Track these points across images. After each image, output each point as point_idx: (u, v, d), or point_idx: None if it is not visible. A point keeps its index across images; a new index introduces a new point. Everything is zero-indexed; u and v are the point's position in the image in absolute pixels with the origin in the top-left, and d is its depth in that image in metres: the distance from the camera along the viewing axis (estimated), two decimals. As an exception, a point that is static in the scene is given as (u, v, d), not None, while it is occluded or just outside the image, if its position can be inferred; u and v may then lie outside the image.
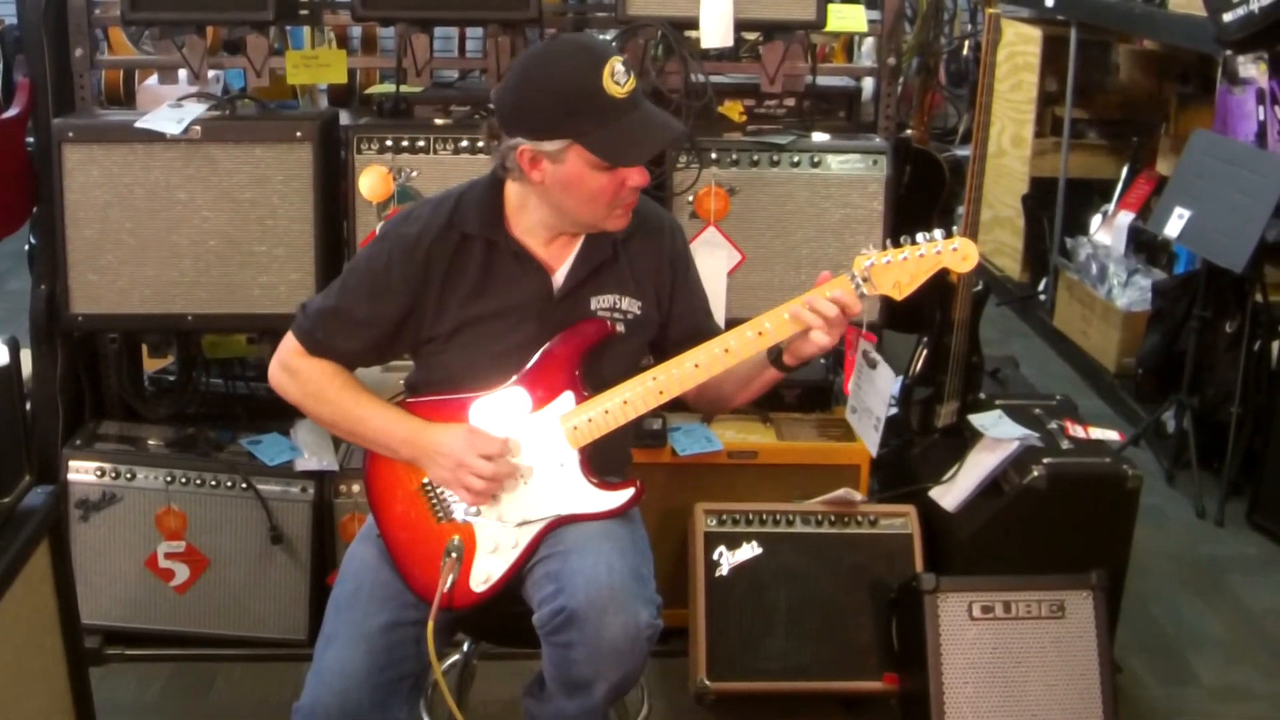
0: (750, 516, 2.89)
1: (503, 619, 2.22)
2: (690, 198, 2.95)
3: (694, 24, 2.91)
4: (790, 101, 3.20)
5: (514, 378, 2.13)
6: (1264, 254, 3.81)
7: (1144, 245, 5.01)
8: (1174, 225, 3.86)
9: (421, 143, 2.92)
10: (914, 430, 3.12)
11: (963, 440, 3.02)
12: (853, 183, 2.96)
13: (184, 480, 2.95)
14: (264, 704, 2.89)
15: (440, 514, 2.15)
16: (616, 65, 1.98)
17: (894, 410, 3.03)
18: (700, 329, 2.24)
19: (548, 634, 2.03)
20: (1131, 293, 4.86)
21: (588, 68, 1.97)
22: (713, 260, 2.92)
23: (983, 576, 2.72)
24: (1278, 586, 3.56)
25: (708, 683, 2.77)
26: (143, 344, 3.27)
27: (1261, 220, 3.58)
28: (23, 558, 2.02)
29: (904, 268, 2.06)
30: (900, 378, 3.03)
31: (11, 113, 3.19)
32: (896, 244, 2.07)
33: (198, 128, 2.84)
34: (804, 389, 3.24)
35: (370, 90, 3.86)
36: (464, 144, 2.92)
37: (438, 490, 2.15)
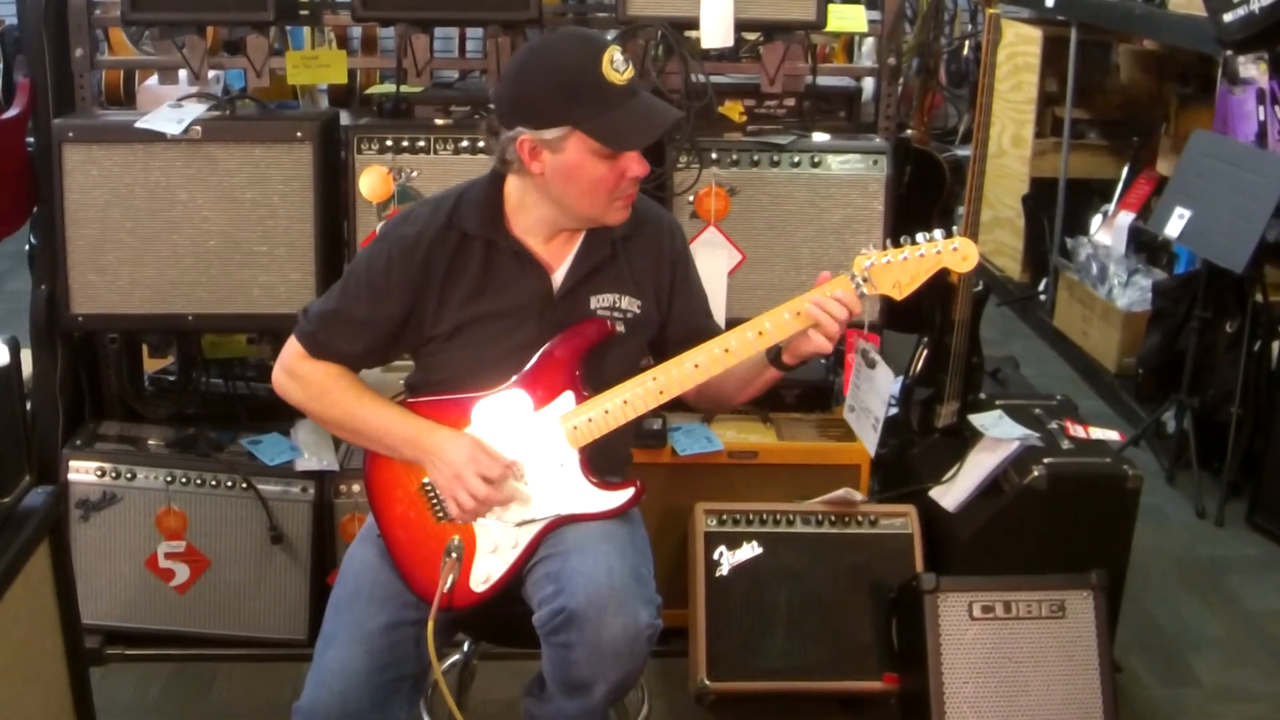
0: (750, 516, 2.89)
1: (503, 619, 2.22)
2: (690, 198, 2.95)
3: (694, 24, 2.91)
4: (790, 102, 3.20)
5: (514, 378, 2.13)
6: (1264, 254, 3.81)
7: (1144, 245, 5.01)
8: (1174, 225, 3.86)
9: (422, 143, 2.92)
10: (914, 430, 3.12)
11: (963, 440, 3.02)
12: (853, 183, 2.96)
13: (184, 480, 2.95)
14: (264, 704, 2.89)
15: (440, 514, 2.15)
16: (615, 54, 1.99)
17: (894, 410, 3.03)
18: (700, 329, 2.24)
19: (548, 634, 2.03)
20: (1132, 293, 4.86)
21: (587, 55, 1.98)
22: (713, 260, 2.92)
23: (983, 576, 2.72)
24: (1278, 587, 3.56)
25: (708, 683, 2.77)
26: (143, 344, 3.27)
27: (1262, 220, 3.58)
28: (23, 558, 2.02)
29: (904, 268, 2.06)
30: (901, 378, 3.03)
31: (12, 113, 3.19)
32: (897, 244, 2.08)
33: (198, 128, 2.84)
34: (804, 389, 3.24)
35: (370, 90, 3.86)
36: (464, 144, 2.92)
37: (438, 490, 2.15)
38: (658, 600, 2.07)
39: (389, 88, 3.27)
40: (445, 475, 2.09)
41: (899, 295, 2.08)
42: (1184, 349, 4.16)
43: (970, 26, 6.66)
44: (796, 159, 2.96)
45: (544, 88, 1.99)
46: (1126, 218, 5.08)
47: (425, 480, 2.15)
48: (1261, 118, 3.90)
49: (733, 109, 3.12)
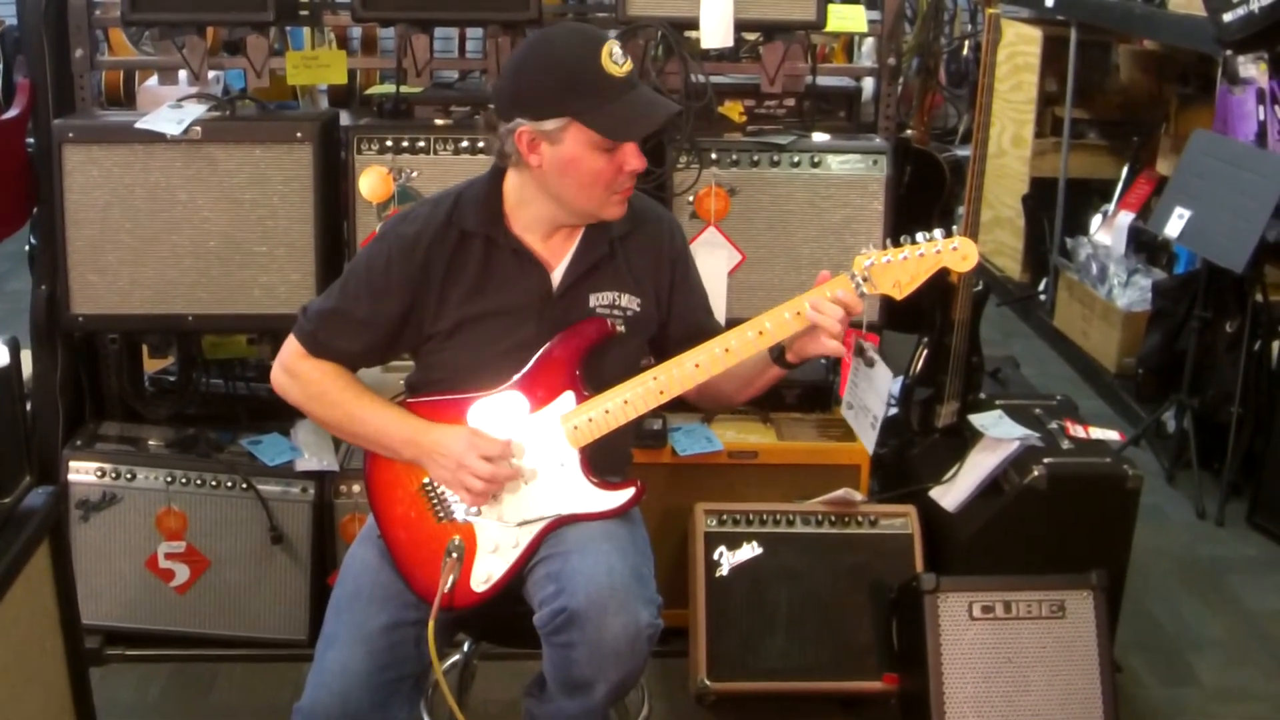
0: (750, 517, 2.89)
1: (503, 619, 2.22)
2: (690, 198, 2.95)
3: (694, 24, 2.91)
4: (790, 102, 3.20)
5: (514, 378, 2.13)
6: (1264, 254, 3.81)
7: (1144, 245, 5.01)
8: (1174, 225, 3.86)
9: (421, 143, 2.92)
10: (914, 430, 3.11)
11: (963, 440, 3.02)
12: (853, 183, 2.96)
13: (184, 481, 2.95)
14: (264, 704, 2.89)
15: (441, 514, 2.15)
16: (614, 47, 2.00)
17: (894, 410, 3.03)
18: (701, 328, 2.24)
19: (548, 634, 2.03)
20: (1132, 293, 4.86)
21: (586, 48, 1.99)
22: (713, 260, 2.92)
23: (983, 576, 2.72)
24: (1278, 587, 3.56)
25: (708, 683, 2.77)
26: (143, 344, 3.27)
27: (1262, 220, 3.58)
28: (23, 558, 2.02)
29: (904, 267, 2.06)
30: (901, 378, 3.03)
31: (12, 113, 3.19)
32: (896, 244, 2.08)
33: (198, 128, 2.84)
34: (804, 389, 3.24)
35: (370, 91, 3.86)
36: (464, 144, 2.92)
37: (438, 490, 2.15)
38: (658, 600, 2.07)
39: (389, 88, 3.27)
40: (448, 467, 2.09)
41: (899, 295, 2.08)
42: (1184, 349, 4.16)
43: (970, 26, 6.66)
44: (796, 159, 2.96)
45: (543, 79, 2.00)
46: (1126, 218, 5.08)
47: (425, 480, 2.15)
48: (1261, 117, 3.90)
49: (732, 109, 3.12)
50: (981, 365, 3.14)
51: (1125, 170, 5.35)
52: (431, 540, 2.14)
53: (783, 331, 2.07)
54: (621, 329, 2.18)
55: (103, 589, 2.96)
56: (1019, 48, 5.83)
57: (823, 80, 3.19)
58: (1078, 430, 3.02)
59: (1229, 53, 3.97)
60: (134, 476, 2.95)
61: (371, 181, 2.90)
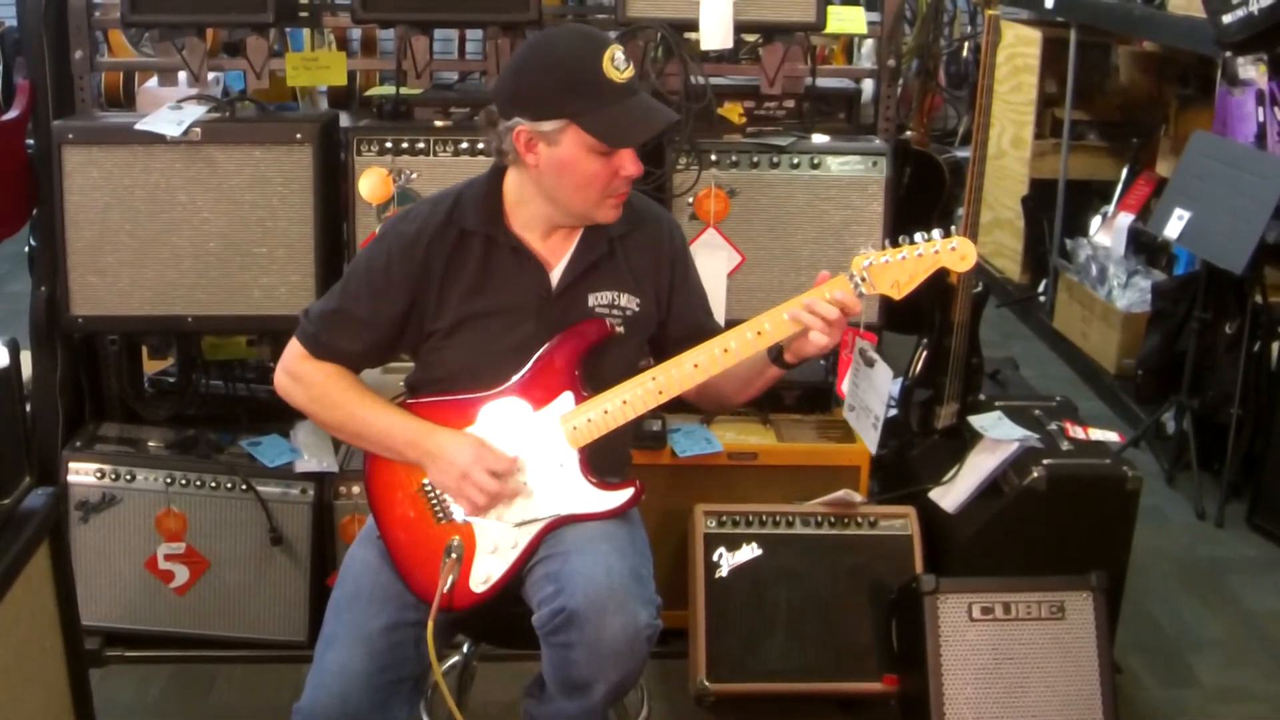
0: (750, 518, 2.89)
1: (502, 620, 2.22)
2: (690, 199, 2.95)
3: (694, 26, 2.91)
4: (790, 103, 3.20)
5: (514, 379, 2.13)
6: (1264, 255, 3.81)
7: (1144, 247, 5.01)
8: (1174, 226, 3.86)
9: (421, 145, 2.92)
10: (914, 431, 3.12)
11: (962, 441, 3.02)
12: (852, 184, 2.97)
13: (184, 482, 2.95)
14: (264, 705, 2.89)
15: (440, 515, 2.15)
16: (616, 52, 2.00)
17: (894, 411, 3.03)
18: (700, 328, 2.25)
19: (547, 635, 2.03)
20: (1131, 294, 4.86)
21: (588, 51, 1.99)
22: (712, 262, 2.92)
23: (982, 578, 2.72)
24: (1277, 588, 3.56)
25: (707, 684, 2.77)
26: (143, 346, 3.27)
27: (1261, 221, 3.58)
28: (23, 559, 2.02)
29: (902, 267, 2.07)
30: (900, 379, 3.03)
31: (11, 115, 3.19)
32: (895, 244, 2.08)
33: (198, 130, 2.84)
34: (804, 390, 3.24)
35: (370, 92, 3.86)
36: (464, 146, 2.92)
37: (438, 491, 2.15)
38: (657, 600, 2.07)
39: (389, 89, 3.27)
40: (452, 476, 2.09)
41: (897, 295, 2.09)
42: (1184, 350, 4.16)
43: (970, 28, 6.67)
44: (796, 160, 2.96)
45: (544, 80, 2.00)
46: (1126, 219, 5.08)
47: (425, 481, 2.15)
48: (1261, 119, 3.90)
49: (732, 110, 3.12)
50: (981, 366, 3.14)
51: (1125, 171, 5.36)
52: (431, 541, 2.14)
53: (782, 332, 2.07)
54: (620, 329, 2.18)
55: (102, 590, 2.96)
56: (1018, 49, 5.83)
57: (822, 82, 3.19)
58: (1077, 431, 3.02)
59: (1228, 54, 3.97)
60: (134, 478, 2.95)
61: (371, 183, 2.90)
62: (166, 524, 2.95)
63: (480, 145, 2.89)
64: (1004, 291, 5.97)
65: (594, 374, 2.15)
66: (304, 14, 3.17)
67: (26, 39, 2.99)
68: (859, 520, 2.91)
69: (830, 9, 3.00)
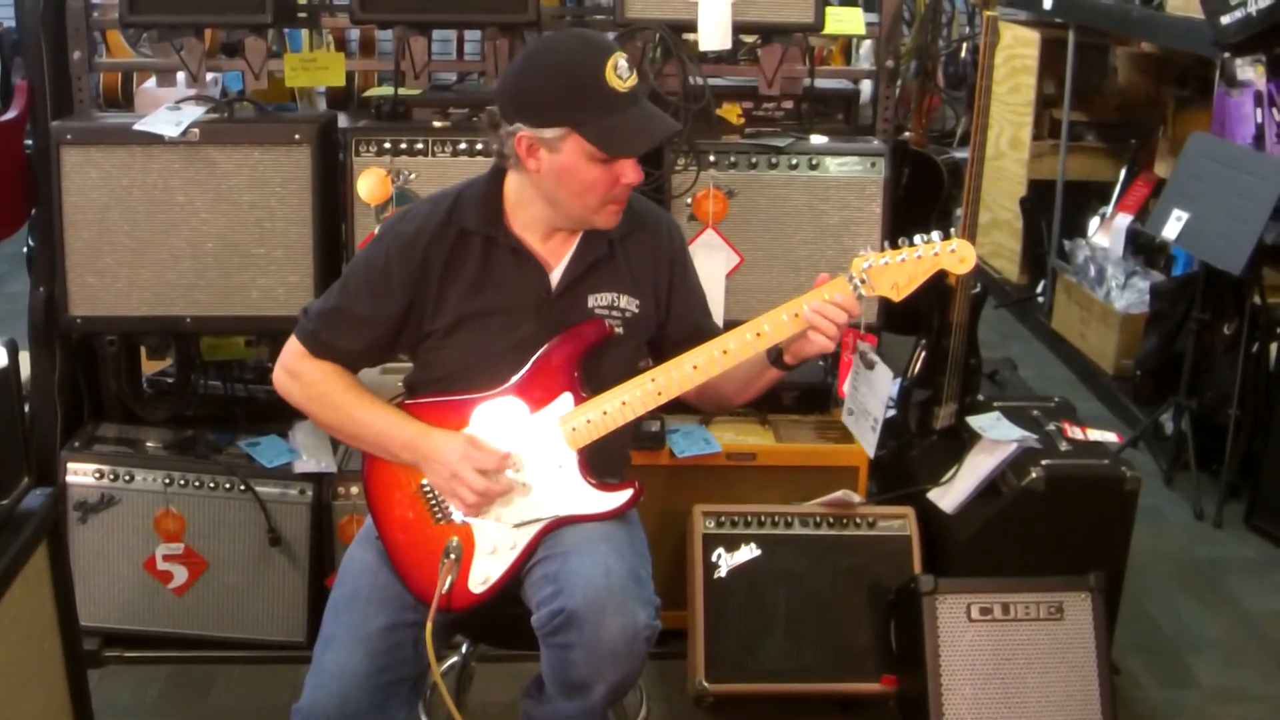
0: (749, 518, 2.89)
1: (501, 620, 2.22)
2: (689, 200, 2.95)
3: (692, 27, 2.91)
4: (788, 104, 3.20)
5: (513, 379, 2.13)
6: (1262, 256, 3.81)
7: (1142, 247, 5.01)
8: (1172, 227, 3.86)
9: (420, 145, 2.92)
10: (912, 432, 3.12)
11: (961, 442, 3.02)
12: (851, 185, 2.97)
13: (182, 482, 2.95)
14: (262, 706, 2.89)
15: (439, 515, 2.15)
16: (620, 60, 1.99)
17: (892, 412, 3.03)
18: (699, 329, 2.25)
19: (546, 635, 2.03)
20: (1129, 295, 4.86)
21: (591, 59, 1.98)
22: (711, 262, 2.92)
23: (981, 578, 2.72)
24: (1276, 588, 3.57)
25: (706, 684, 2.77)
26: (141, 346, 3.27)
27: (1259, 222, 3.58)
28: (21, 560, 2.02)
29: (902, 269, 2.07)
30: (899, 380, 3.03)
31: (10, 115, 3.19)
32: (895, 246, 2.08)
33: (196, 130, 2.84)
34: (802, 391, 3.24)
35: (368, 93, 3.86)
36: (462, 146, 2.92)
37: (436, 492, 2.15)
38: (656, 601, 2.07)
39: (387, 90, 3.27)
40: (443, 476, 2.09)
41: (897, 297, 2.09)
42: (1182, 351, 4.16)
43: (968, 29, 6.67)
44: (794, 161, 2.96)
45: (546, 87, 2.00)
46: (1124, 220, 5.08)
47: (424, 482, 2.15)
48: (1259, 120, 3.90)
49: (731, 111, 3.12)
50: (979, 367, 3.15)
51: (1123, 172, 5.36)
52: (429, 541, 2.14)
53: (781, 333, 2.08)
54: (619, 330, 2.19)
55: (101, 591, 2.96)
56: (1017, 50, 5.83)
57: (821, 82, 3.19)
58: (1075, 432, 3.02)
59: (1227, 55, 3.97)
60: (132, 478, 2.95)
61: (370, 183, 2.90)
62: (165, 524, 2.95)
63: (479, 145, 2.89)
64: (1002, 292, 5.97)
65: (593, 375, 2.15)
66: (302, 15, 3.17)
67: (25, 39, 2.99)
68: (858, 521, 2.91)
69: (828, 10, 3.00)
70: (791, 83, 3.08)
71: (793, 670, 2.81)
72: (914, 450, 3.17)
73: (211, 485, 2.96)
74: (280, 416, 3.06)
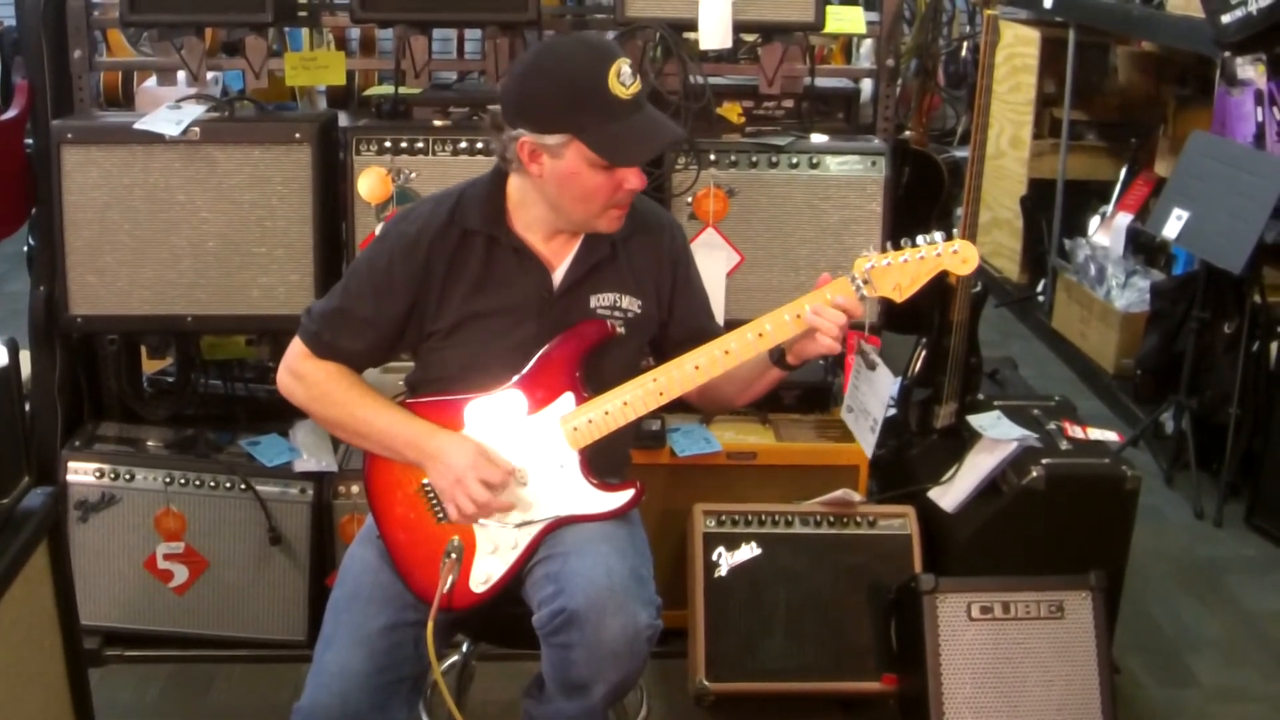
0: (749, 517, 2.89)
1: (502, 620, 2.22)
2: (689, 199, 2.95)
3: (693, 25, 2.91)
4: (789, 103, 3.20)
5: (514, 379, 2.13)
6: (1262, 255, 3.82)
7: (1142, 246, 5.01)
8: (1172, 226, 3.86)
9: (420, 144, 2.92)
10: (913, 431, 3.12)
11: (961, 441, 3.02)
12: (851, 184, 2.97)
13: (183, 481, 2.95)
14: (263, 705, 2.89)
15: (440, 515, 2.15)
16: (624, 66, 1.98)
17: (892, 411, 3.03)
18: (702, 329, 2.25)
19: (547, 635, 2.03)
20: (1130, 294, 4.86)
21: (595, 66, 1.98)
22: (711, 262, 2.92)
23: (981, 577, 2.72)
24: (1276, 588, 3.57)
25: (707, 684, 2.77)
26: (142, 345, 3.27)
27: (1260, 221, 3.58)
28: (22, 559, 2.02)
29: (904, 270, 2.07)
30: (899, 379, 3.03)
31: (10, 114, 3.20)
32: (897, 246, 2.08)
33: (196, 129, 2.84)
34: (803, 390, 3.24)
35: (369, 92, 3.86)
36: (463, 145, 2.92)
37: (438, 493, 2.15)
38: (657, 601, 2.07)
39: (387, 89, 3.27)
40: (447, 479, 2.09)
41: (899, 297, 2.09)
42: (1182, 350, 4.16)
43: (968, 28, 6.67)
44: (795, 160, 2.96)
45: (549, 92, 1.99)
46: (1125, 219, 5.08)
47: (425, 481, 2.15)
48: (1259, 119, 3.90)
49: (731, 110, 3.12)
50: (980, 366, 3.15)
51: (1123, 171, 5.36)
52: (430, 541, 2.14)
53: (783, 334, 2.08)
54: (621, 330, 2.19)
55: (101, 590, 2.96)
56: (1017, 49, 5.83)
57: (821, 81, 3.19)
58: (1076, 431, 3.02)
59: (1227, 54, 3.97)
60: (133, 477, 2.95)
61: (370, 182, 2.90)
62: (165, 523, 2.95)
63: (479, 145, 2.90)
64: (1003, 291, 5.97)
65: (594, 375, 2.15)
66: (303, 14, 3.17)
67: (25, 38, 2.99)
68: (858, 520, 2.91)
69: (829, 9, 3.00)
70: (792, 81, 3.08)
71: (793, 669, 2.81)
72: (914, 449, 3.17)
73: (212, 484, 2.96)
74: (281, 416, 3.06)
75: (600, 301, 2.18)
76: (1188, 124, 4.63)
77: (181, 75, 3.16)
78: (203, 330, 3.08)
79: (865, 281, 2.06)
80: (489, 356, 2.13)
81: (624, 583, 2.01)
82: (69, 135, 2.84)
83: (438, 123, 3.04)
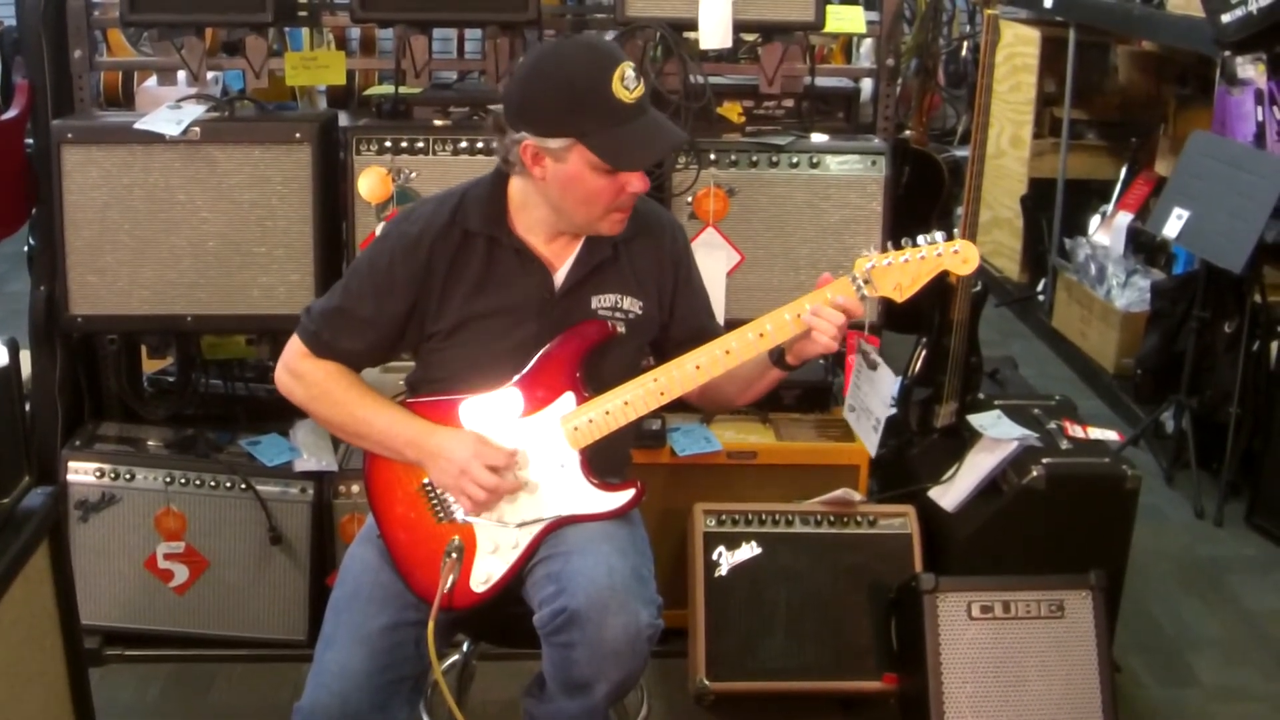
0: (749, 517, 2.89)
1: (503, 619, 2.22)
2: (689, 199, 2.95)
3: (693, 25, 2.91)
4: (789, 102, 3.20)
5: (514, 378, 2.13)
6: (1263, 254, 3.81)
7: (1143, 246, 5.01)
8: (1173, 226, 3.86)
9: (420, 144, 2.92)
10: (913, 430, 3.12)
11: (962, 440, 3.02)
12: (851, 183, 2.97)
13: (183, 481, 2.95)
14: (263, 704, 2.89)
15: (441, 514, 2.15)
16: (627, 70, 1.98)
17: (893, 411, 3.03)
18: (702, 330, 2.25)
19: (548, 634, 2.03)
20: (1130, 293, 4.86)
21: (598, 69, 1.97)
22: (712, 261, 2.92)
23: (982, 576, 2.72)
24: (1276, 587, 3.57)
25: (707, 683, 2.77)
26: (142, 345, 3.27)
27: (1260, 221, 3.58)
28: (22, 559, 2.02)
29: (905, 270, 2.07)
30: (899, 378, 3.03)
31: (10, 114, 3.19)
32: (897, 246, 2.08)
33: (197, 129, 2.84)
34: (803, 389, 3.24)
35: (369, 91, 3.86)
36: (463, 145, 2.92)
37: (438, 491, 2.15)
38: (658, 600, 2.07)
39: (388, 89, 3.27)
40: (451, 473, 2.09)
41: (900, 297, 2.09)
42: (1183, 349, 4.16)
43: (969, 27, 6.67)
44: (795, 160, 2.96)
45: (552, 96, 1.99)
46: (1125, 218, 5.08)
47: (425, 481, 2.15)
48: (1260, 118, 3.90)
49: (731, 110, 3.12)
50: (980, 366, 3.15)
51: (1124, 171, 5.36)
52: (431, 540, 2.14)
53: (783, 333, 2.08)
54: (622, 330, 2.19)
55: (102, 589, 2.96)
56: (1017, 48, 5.83)
57: (821, 81, 3.19)
58: (1076, 430, 3.02)
59: (1227, 54, 3.97)
60: (133, 477, 2.95)
61: (370, 182, 2.90)
62: (166, 523, 2.95)
63: (480, 144, 2.90)
64: (1003, 291, 5.97)
65: (595, 375, 2.15)
66: (303, 13, 3.17)
67: (25, 38, 2.99)
68: (858, 519, 2.91)
69: (829, 8, 3.00)
70: (792, 81, 3.08)
71: (793, 668, 2.81)
72: (915, 448, 3.17)
73: (212, 484, 2.96)
74: (281, 415, 3.06)
75: (601, 302, 2.18)
76: (1188, 123, 4.63)
77: (182, 75, 3.16)
78: (203, 330, 3.08)
79: (866, 281, 2.07)
80: (490, 357, 2.13)
81: (625, 582, 2.01)
82: (69, 135, 2.84)
83: (438, 122, 3.04)
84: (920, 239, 2.07)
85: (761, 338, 2.08)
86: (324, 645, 2.09)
